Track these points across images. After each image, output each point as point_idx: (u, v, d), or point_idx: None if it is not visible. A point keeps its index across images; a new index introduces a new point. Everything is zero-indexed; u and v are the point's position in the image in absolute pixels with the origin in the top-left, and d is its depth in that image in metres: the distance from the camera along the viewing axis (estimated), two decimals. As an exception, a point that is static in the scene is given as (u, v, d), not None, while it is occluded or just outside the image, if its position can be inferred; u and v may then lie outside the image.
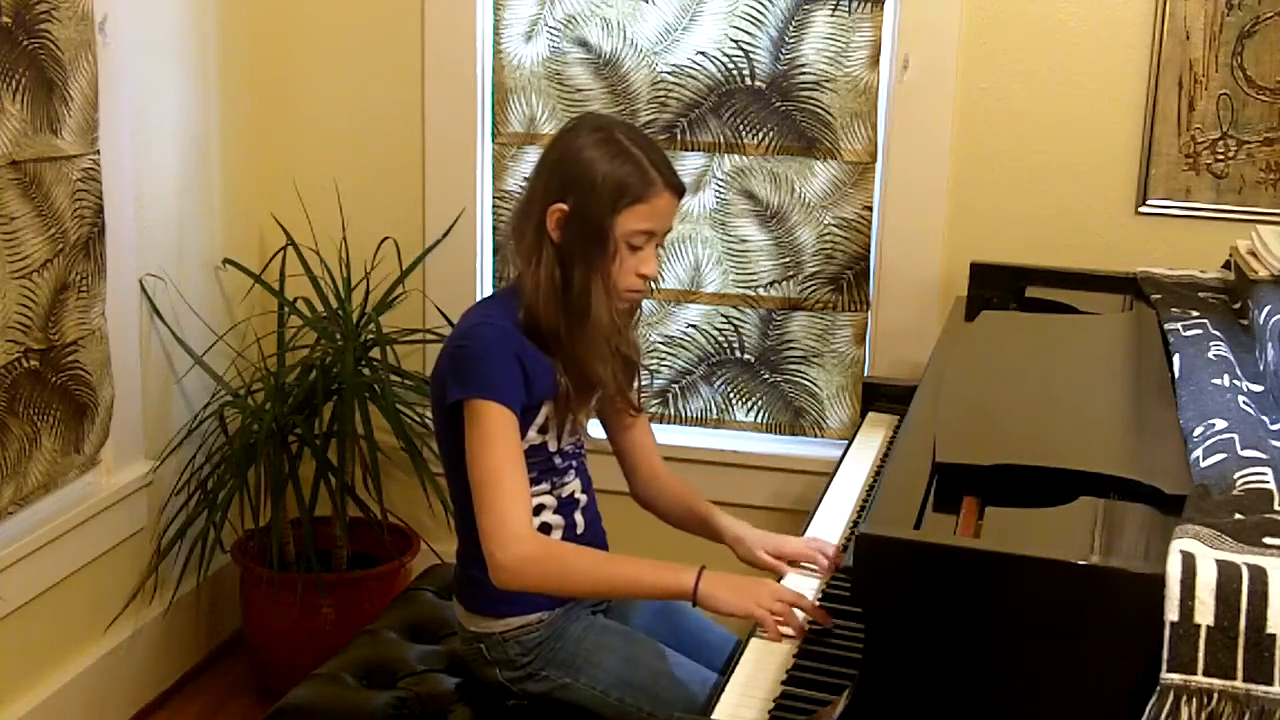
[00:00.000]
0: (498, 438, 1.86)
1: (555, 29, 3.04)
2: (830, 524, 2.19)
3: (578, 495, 2.06)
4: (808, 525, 2.19)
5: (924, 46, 2.86)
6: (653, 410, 3.15)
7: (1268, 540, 1.39)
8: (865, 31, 2.90)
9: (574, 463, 2.06)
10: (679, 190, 1.95)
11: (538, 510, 1.99)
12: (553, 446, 2.00)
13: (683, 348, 3.15)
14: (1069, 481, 1.60)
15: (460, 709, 2.01)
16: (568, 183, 1.91)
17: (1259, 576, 1.31)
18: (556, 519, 2.02)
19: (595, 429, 2.16)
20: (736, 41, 2.96)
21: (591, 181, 1.89)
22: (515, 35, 3.06)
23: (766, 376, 3.13)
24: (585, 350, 1.94)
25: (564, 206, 1.91)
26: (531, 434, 1.96)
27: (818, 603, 1.90)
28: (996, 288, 2.67)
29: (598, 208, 1.90)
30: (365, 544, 3.06)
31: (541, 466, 1.98)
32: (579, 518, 2.06)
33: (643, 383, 2.14)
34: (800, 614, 1.85)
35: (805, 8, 2.91)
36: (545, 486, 2.00)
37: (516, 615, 1.99)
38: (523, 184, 3.10)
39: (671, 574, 1.88)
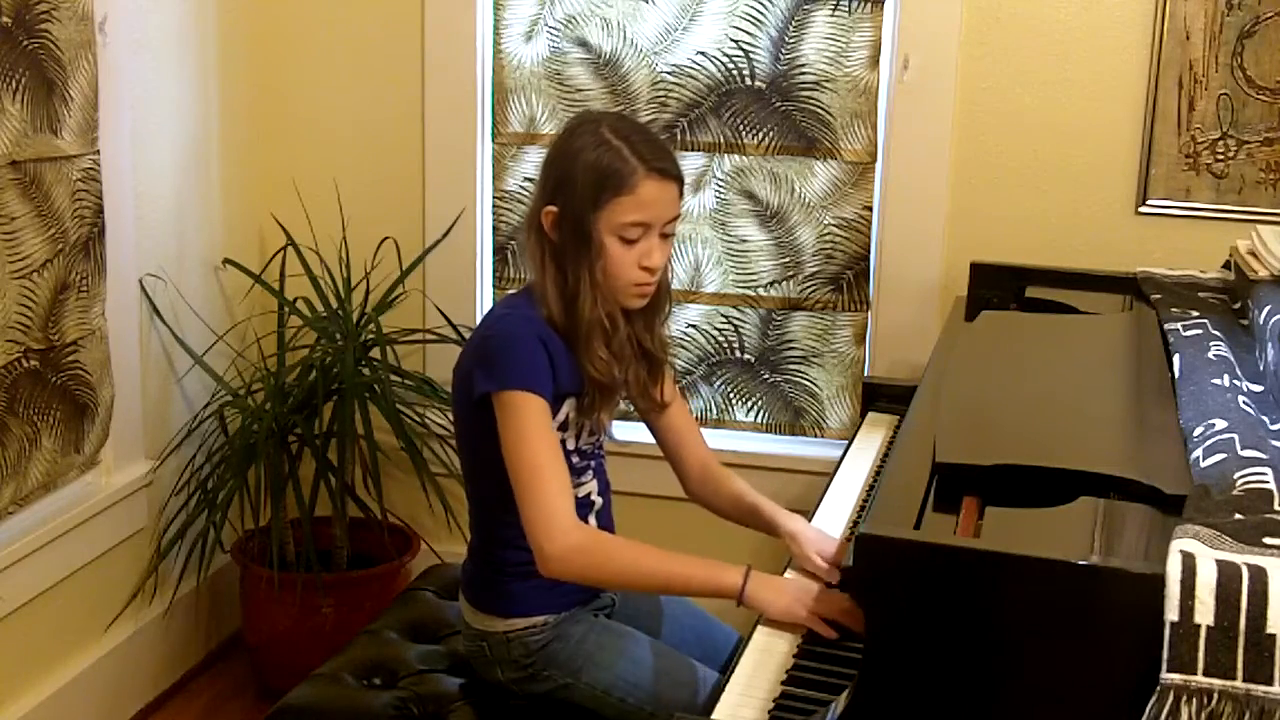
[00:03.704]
0: (534, 428, 1.84)
1: (555, 29, 3.04)
2: (830, 524, 2.19)
3: (594, 497, 2.05)
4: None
5: (924, 46, 2.86)
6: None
7: (1268, 540, 1.39)
8: (865, 31, 2.89)
9: (592, 463, 2.05)
10: (667, 175, 1.90)
11: None
12: (570, 445, 1.98)
13: (683, 348, 3.15)
14: (1069, 481, 1.60)
15: (461, 709, 2.01)
16: (558, 184, 1.92)
17: (1259, 576, 1.31)
18: None
19: (617, 433, 2.14)
20: (736, 41, 2.96)
21: (573, 180, 1.89)
22: (515, 35, 3.05)
23: (766, 376, 3.13)
24: (585, 349, 1.93)
25: (554, 208, 1.92)
26: None
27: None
28: (996, 288, 2.67)
29: (579, 206, 1.89)
30: (365, 544, 3.06)
31: None
32: (592, 520, 2.04)
33: (674, 376, 2.08)
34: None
35: (805, 8, 2.91)
36: None
37: (521, 616, 1.99)
38: (524, 184, 3.12)
39: (719, 572, 1.87)
